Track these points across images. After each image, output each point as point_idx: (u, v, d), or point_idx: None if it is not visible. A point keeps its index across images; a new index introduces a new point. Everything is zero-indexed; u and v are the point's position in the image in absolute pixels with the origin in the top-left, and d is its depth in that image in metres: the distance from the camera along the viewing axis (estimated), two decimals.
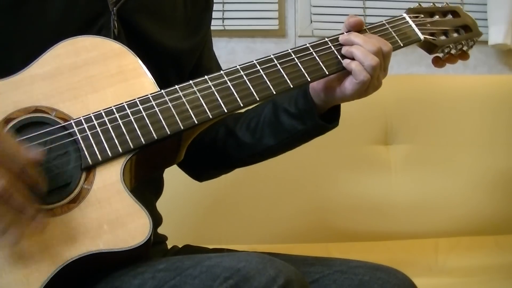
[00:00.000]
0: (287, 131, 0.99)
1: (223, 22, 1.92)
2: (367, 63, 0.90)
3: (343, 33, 0.95)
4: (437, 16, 1.04)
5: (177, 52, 1.03)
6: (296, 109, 0.98)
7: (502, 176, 1.64)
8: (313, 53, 0.92)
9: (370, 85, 0.91)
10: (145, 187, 0.86)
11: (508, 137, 1.66)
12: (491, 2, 1.94)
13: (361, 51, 0.90)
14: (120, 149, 0.79)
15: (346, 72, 0.93)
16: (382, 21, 0.98)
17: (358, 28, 0.95)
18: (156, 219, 1.06)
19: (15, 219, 0.68)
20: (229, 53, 1.93)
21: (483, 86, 1.74)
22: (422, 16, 1.02)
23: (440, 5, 1.06)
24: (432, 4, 1.06)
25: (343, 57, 0.93)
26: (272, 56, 0.91)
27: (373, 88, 0.93)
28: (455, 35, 1.04)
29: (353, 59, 0.91)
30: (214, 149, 1.08)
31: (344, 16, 1.95)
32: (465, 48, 1.05)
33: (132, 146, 0.80)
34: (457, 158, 1.65)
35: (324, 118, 0.97)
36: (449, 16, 1.06)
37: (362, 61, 0.90)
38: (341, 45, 0.94)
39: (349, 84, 0.91)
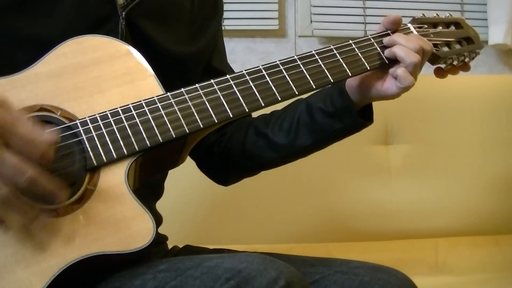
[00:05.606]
0: (324, 130, 1.00)
1: (223, 22, 1.92)
2: (409, 61, 0.92)
3: (347, 43, 0.95)
4: (441, 27, 1.04)
5: (182, 57, 1.02)
6: (333, 108, 0.98)
7: (502, 176, 1.64)
8: (318, 60, 0.92)
9: None
10: (144, 189, 0.86)
11: (508, 137, 1.66)
12: (491, 2, 1.94)
13: (404, 50, 0.93)
14: (125, 151, 0.79)
15: (384, 70, 0.95)
16: (388, 31, 0.98)
17: (398, 25, 0.97)
18: (156, 219, 1.06)
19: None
20: (229, 53, 1.90)
21: (483, 86, 1.74)
22: (426, 26, 1.02)
23: (443, 16, 1.06)
24: (436, 14, 1.05)
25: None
26: (277, 61, 0.91)
27: (412, 86, 0.95)
28: (458, 46, 1.03)
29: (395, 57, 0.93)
30: (243, 152, 1.07)
31: (344, 16, 2.00)
32: (467, 59, 1.05)
33: (137, 149, 0.79)
34: (457, 158, 1.65)
35: (359, 115, 0.99)
36: (452, 28, 1.05)
37: (405, 59, 0.92)
38: (346, 52, 0.94)
39: (392, 86, 0.94)
